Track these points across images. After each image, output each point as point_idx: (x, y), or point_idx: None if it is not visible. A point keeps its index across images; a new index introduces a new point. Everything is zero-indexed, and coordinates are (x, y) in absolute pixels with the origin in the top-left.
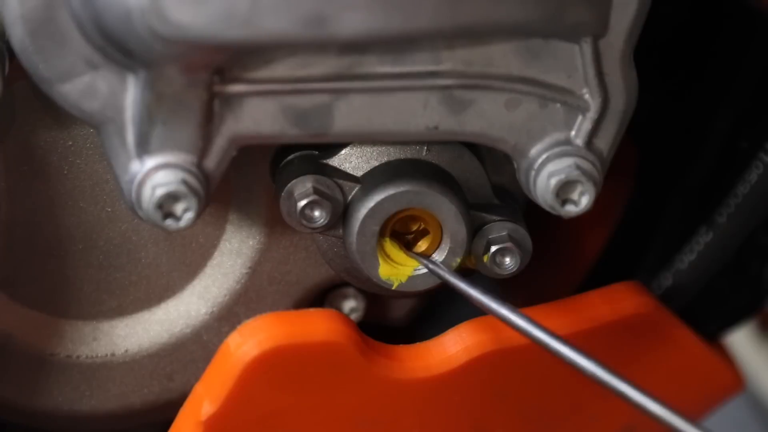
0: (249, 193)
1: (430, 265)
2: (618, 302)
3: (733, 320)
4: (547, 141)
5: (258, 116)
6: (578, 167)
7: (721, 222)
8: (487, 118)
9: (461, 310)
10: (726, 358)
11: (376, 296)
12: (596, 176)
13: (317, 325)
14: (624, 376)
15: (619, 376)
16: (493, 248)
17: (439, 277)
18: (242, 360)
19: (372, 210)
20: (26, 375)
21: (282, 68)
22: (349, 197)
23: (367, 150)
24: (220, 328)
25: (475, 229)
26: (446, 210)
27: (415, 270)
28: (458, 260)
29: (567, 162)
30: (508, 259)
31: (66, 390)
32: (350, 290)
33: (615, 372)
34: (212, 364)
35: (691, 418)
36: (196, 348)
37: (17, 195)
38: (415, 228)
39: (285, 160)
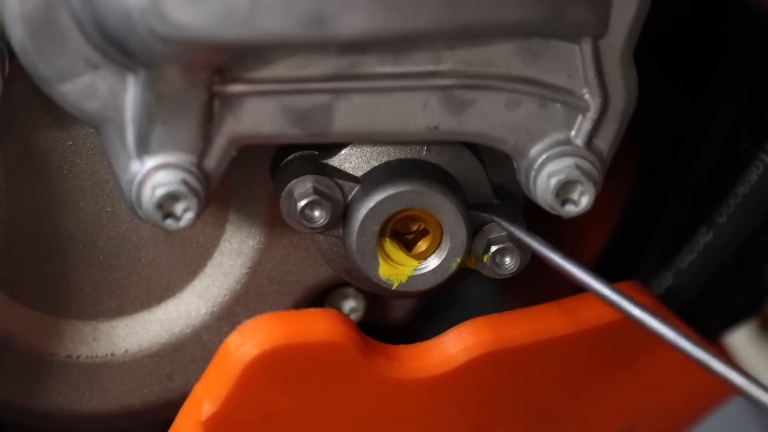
0: (249, 193)
1: (519, 233)
2: None
3: (733, 320)
4: (547, 141)
5: (258, 116)
6: (578, 167)
7: (721, 222)
8: (487, 118)
9: (461, 310)
10: (726, 358)
11: (376, 296)
12: (596, 176)
13: (317, 325)
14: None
15: (708, 351)
16: (493, 248)
17: (533, 247)
18: (242, 360)
19: (372, 210)
20: (26, 375)
21: (282, 68)
22: (349, 197)
23: (367, 150)
24: (220, 328)
25: (475, 229)
26: (446, 210)
27: (415, 270)
28: (458, 260)
29: (567, 162)
30: (508, 259)
31: (66, 390)
32: (350, 290)
33: (704, 346)
34: (212, 364)
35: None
36: (196, 348)
37: (17, 195)
38: (415, 228)
39: (285, 160)
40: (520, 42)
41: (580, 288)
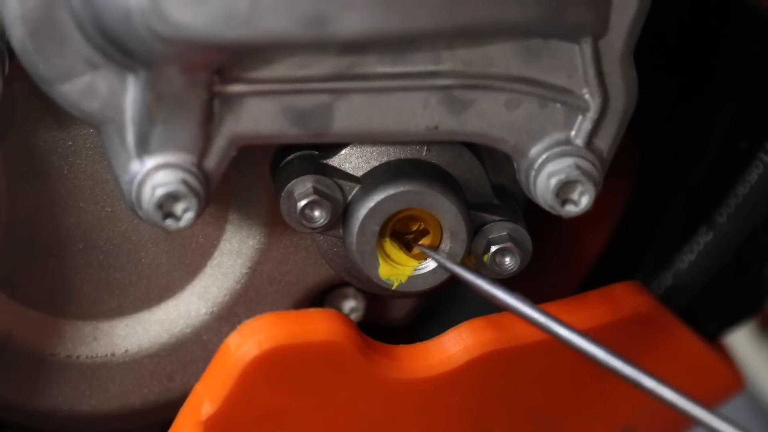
0: (249, 193)
1: (439, 258)
2: (618, 302)
3: (733, 320)
4: (547, 141)
5: (258, 116)
6: (578, 167)
7: (721, 222)
8: (487, 118)
9: (461, 310)
10: (726, 358)
11: (376, 296)
12: (596, 176)
13: (317, 325)
14: (642, 367)
15: (636, 366)
16: (493, 248)
17: (448, 270)
18: (242, 360)
19: (372, 210)
20: (26, 375)
21: (282, 68)
22: (349, 197)
23: (367, 150)
24: (220, 328)
25: (475, 229)
26: (446, 210)
27: (415, 270)
28: (458, 260)
29: (567, 162)
30: (508, 259)
31: (66, 390)
32: (350, 290)
33: (631, 362)
34: (212, 364)
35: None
36: (196, 348)
37: (17, 195)
38: (415, 228)
39: (285, 160)
40: (520, 42)
41: (580, 288)
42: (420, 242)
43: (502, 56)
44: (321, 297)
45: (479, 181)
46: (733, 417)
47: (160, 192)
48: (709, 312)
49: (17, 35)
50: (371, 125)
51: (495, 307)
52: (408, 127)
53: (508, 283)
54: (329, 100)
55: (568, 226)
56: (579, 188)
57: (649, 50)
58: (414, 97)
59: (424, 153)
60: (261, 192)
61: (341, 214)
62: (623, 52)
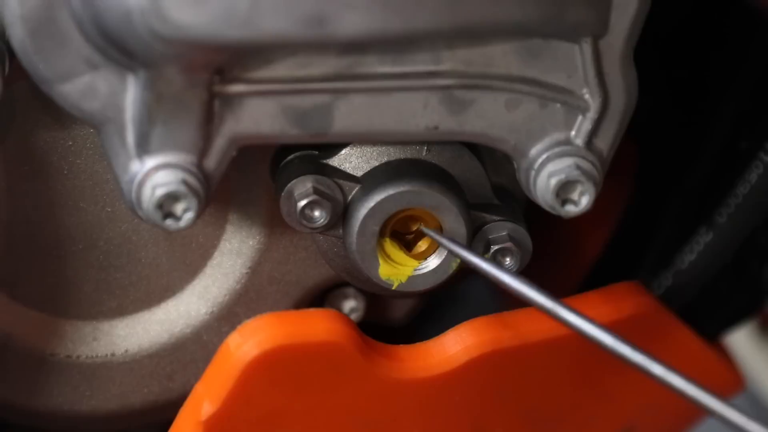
0: (249, 193)
1: (451, 246)
2: (618, 302)
3: (733, 320)
4: (547, 141)
5: (258, 116)
6: (578, 167)
7: (721, 222)
8: (487, 118)
9: (461, 310)
10: (726, 358)
11: (376, 296)
12: (596, 176)
13: (317, 325)
14: (666, 363)
15: (660, 362)
16: (493, 248)
17: (460, 257)
18: (242, 360)
19: (372, 210)
20: (26, 375)
21: (282, 68)
22: (349, 197)
23: (367, 150)
24: (220, 328)
25: (475, 229)
26: (446, 210)
27: (415, 270)
28: (458, 260)
29: (567, 162)
30: (508, 259)
31: (66, 390)
32: (350, 290)
33: (654, 357)
34: (212, 364)
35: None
36: (196, 348)
37: (17, 195)
38: (415, 228)
39: (285, 160)
40: (520, 42)
41: (580, 288)
42: (419, 243)
43: (502, 56)
44: (321, 297)
45: (479, 181)
46: None
47: (160, 192)
48: (709, 312)
49: (17, 35)
50: (371, 125)
51: (495, 307)
52: (408, 127)
53: None
54: (329, 100)
55: (568, 226)
56: (579, 188)
57: (649, 50)
58: (414, 97)
59: (424, 153)
60: (261, 192)
61: (341, 214)
62: (623, 52)
